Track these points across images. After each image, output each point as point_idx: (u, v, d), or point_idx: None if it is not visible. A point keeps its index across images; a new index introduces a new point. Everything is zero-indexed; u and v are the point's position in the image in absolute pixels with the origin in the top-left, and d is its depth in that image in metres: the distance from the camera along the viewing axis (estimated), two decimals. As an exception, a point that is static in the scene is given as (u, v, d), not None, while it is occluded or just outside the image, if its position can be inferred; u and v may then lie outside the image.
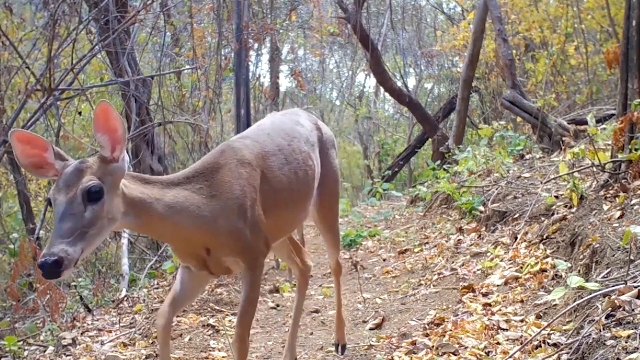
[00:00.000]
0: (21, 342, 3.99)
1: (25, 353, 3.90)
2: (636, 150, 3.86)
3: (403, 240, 6.75)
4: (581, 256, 3.48)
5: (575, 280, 2.77)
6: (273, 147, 2.88)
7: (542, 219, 4.66)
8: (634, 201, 3.63)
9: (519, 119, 9.03)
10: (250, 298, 2.68)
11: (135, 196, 2.35)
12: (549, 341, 2.84)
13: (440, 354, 3.11)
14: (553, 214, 4.52)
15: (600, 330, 2.43)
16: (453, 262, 5.02)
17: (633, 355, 2.16)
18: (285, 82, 18.65)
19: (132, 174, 2.45)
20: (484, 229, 5.52)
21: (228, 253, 2.62)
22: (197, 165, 2.63)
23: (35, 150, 2.23)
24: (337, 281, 3.60)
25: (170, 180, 2.51)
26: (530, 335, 2.96)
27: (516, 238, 4.69)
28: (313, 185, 3.08)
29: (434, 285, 4.66)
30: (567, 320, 3.01)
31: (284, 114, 3.40)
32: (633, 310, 2.47)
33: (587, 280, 2.89)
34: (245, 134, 2.98)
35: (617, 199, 3.82)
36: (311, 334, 4.05)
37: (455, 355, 3.06)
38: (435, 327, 3.60)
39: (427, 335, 3.48)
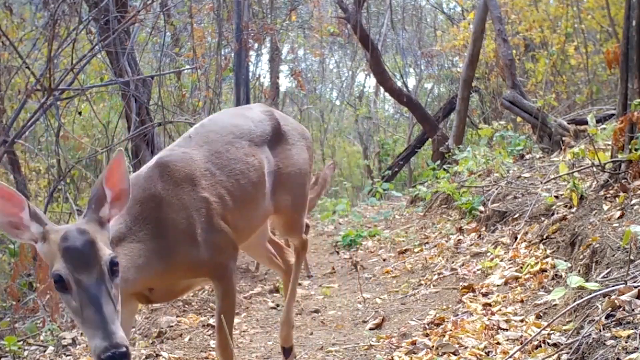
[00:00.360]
0: (21, 342, 3.99)
1: (25, 353, 3.90)
2: (636, 150, 3.86)
3: (403, 240, 6.75)
4: (581, 256, 3.48)
5: (575, 280, 2.77)
6: (206, 151, 2.72)
7: (542, 219, 4.66)
8: (634, 201, 3.63)
9: (519, 119, 9.03)
10: (225, 306, 2.63)
11: None
12: (549, 341, 2.84)
13: (440, 354, 3.11)
14: (553, 214, 4.52)
15: (600, 330, 2.43)
16: (453, 262, 5.02)
17: (633, 355, 2.16)
18: (285, 82, 18.66)
19: None
20: (484, 229, 5.52)
21: (192, 278, 2.57)
22: (135, 207, 2.38)
23: (14, 209, 1.98)
24: (295, 266, 3.46)
25: (115, 237, 2.27)
26: (530, 335, 2.95)
27: (516, 238, 4.69)
28: (261, 181, 2.91)
29: (434, 285, 4.66)
30: (567, 320, 3.01)
31: (232, 110, 3.36)
32: (633, 310, 2.47)
33: (587, 280, 2.89)
34: (176, 143, 2.78)
35: (617, 199, 3.81)
36: (311, 334, 4.05)
37: (455, 355, 3.06)
38: (435, 327, 3.60)
39: (427, 335, 3.48)
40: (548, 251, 4.11)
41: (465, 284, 4.25)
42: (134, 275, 2.31)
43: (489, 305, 3.76)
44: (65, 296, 1.93)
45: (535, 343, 2.86)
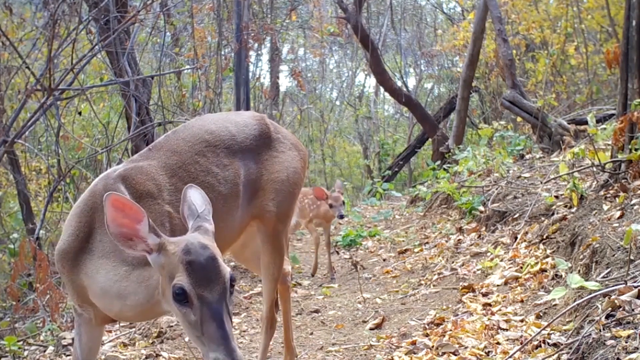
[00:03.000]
0: (21, 342, 3.99)
1: (25, 353, 3.90)
2: (636, 150, 3.86)
3: (403, 240, 6.75)
4: (581, 256, 3.48)
5: (575, 280, 2.77)
6: (173, 162, 2.56)
7: (542, 219, 4.66)
8: (634, 201, 3.63)
9: (519, 119, 9.04)
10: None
11: None
12: (549, 341, 2.84)
13: (440, 354, 3.11)
14: (553, 214, 4.52)
15: (600, 330, 2.43)
16: (453, 262, 5.02)
17: (633, 355, 2.16)
18: (285, 82, 18.66)
19: None
20: (484, 229, 5.52)
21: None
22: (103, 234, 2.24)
23: (128, 220, 1.98)
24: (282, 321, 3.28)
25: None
26: (530, 335, 2.95)
27: (516, 238, 4.69)
28: (234, 193, 2.71)
29: (434, 285, 4.66)
30: (567, 320, 3.01)
31: (216, 115, 3.16)
32: (633, 310, 2.47)
33: (587, 280, 2.89)
34: (142, 153, 2.63)
35: (617, 199, 3.82)
36: (311, 334, 4.05)
37: (455, 355, 3.06)
38: (435, 327, 3.60)
39: (427, 335, 3.48)
40: (548, 251, 4.11)
41: (465, 284, 4.25)
42: (123, 304, 2.23)
43: (489, 305, 3.76)
44: (183, 309, 1.92)
45: (535, 343, 2.86)
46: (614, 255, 3.10)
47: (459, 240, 5.60)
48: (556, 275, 3.73)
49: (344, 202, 5.70)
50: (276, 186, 2.93)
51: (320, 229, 6.09)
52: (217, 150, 2.72)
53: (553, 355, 2.64)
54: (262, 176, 2.88)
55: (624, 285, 2.62)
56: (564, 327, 2.95)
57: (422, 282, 4.87)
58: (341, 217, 5.69)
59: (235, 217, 2.76)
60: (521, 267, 4.16)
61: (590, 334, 2.45)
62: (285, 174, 2.96)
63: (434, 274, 4.91)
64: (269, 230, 2.94)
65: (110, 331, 4.24)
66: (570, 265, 3.55)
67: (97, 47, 5.70)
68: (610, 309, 2.54)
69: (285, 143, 3.05)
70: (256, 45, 11.70)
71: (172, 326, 4.20)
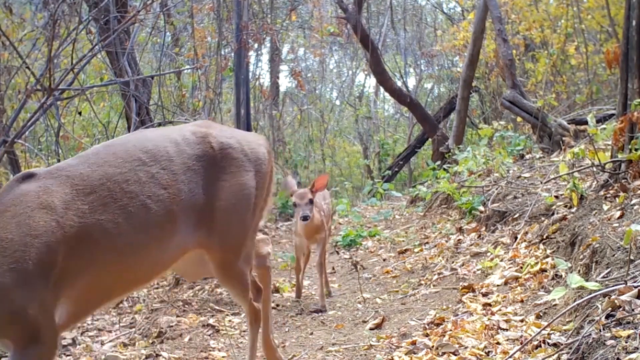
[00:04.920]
0: (21, 342, 3.98)
1: (25, 353, 3.90)
2: (636, 150, 3.86)
3: (403, 240, 6.75)
4: (581, 256, 3.48)
5: (575, 280, 2.77)
6: (97, 177, 2.32)
7: (542, 219, 4.67)
8: (634, 201, 3.63)
9: (519, 119, 9.04)
10: None
11: None
12: (549, 341, 2.84)
13: (440, 354, 3.11)
14: (553, 214, 4.52)
15: (600, 330, 2.43)
16: (453, 262, 5.02)
17: (633, 355, 2.16)
18: (285, 82, 18.66)
19: None
20: (484, 229, 5.52)
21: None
22: None
23: None
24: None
25: None
26: (530, 335, 2.95)
27: (516, 238, 4.69)
28: (170, 218, 2.47)
29: (434, 285, 4.66)
30: (567, 320, 3.01)
31: (153, 132, 2.81)
32: (633, 310, 2.47)
33: (587, 280, 2.89)
34: (61, 165, 2.40)
35: (617, 199, 3.82)
36: (311, 334, 4.05)
37: (455, 355, 3.06)
38: (435, 327, 3.60)
39: (427, 335, 3.48)
40: (548, 251, 4.11)
41: (465, 284, 4.25)
42: None
43: (489, 305, 3.76)
44: None
45: (535, 343, 2.86)
46: (614, 255, 3.10)
47: (459, 240, 5.60)
48: (556, 275, 3.73)
49: (311, 201, 4.41)
50: (223, 215, 2.64)
51: (314, 244, 4.89)
52: (152, 171, 2.45)
53: (553, 355, 2.64)
54: (208, 203, 2.59)
55: (624, 285, 2.62)
56: (564, 327, 2.95)
57: (422, 282, 4.87)
58: (305, 218, 4.38)
59: (169, 244, 2.50)
60: (521, 267, 4.16)
61: (590, 334, 2.45)
62: (234, 200, 2.67)
63: (434, 274, 4.91)
64: (217, 261, 2.72)
65: (110, 331, 4.25)
66: (570, 265, 3.55)
67: (97, 47, 5.70)
68: (610, 309, 2.54)
69: (237, 160, 2.70)
70: (256, 45, 11.71)
71: (172, 326, 4.20)
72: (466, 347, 3.11)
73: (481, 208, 5.92)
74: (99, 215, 2.27)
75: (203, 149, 2.63)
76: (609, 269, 3.03)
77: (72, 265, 2.20)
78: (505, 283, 4.06)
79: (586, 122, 5.76)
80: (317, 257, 4.76)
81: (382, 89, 15.06)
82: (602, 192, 4.10)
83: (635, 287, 2.58)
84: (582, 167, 4.80)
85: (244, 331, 4.24)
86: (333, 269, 6.09)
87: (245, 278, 2.84)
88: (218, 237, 2.65)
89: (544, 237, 4.32)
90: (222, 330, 4.14)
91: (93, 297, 2.36)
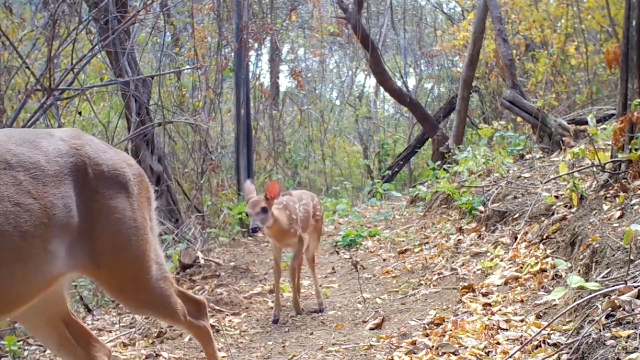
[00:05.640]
0: (21, 342, 3.99)
1: (25, 353, 3.90)
2: (636, 150, 3.86)
3: (403, 240, 6.75)
4: (581, 256, 3.48)
5: (575, 280, 2.77)
6: None
7: (542, 219, 4.67)
8: (634, 201, 3.63)
9: (519, 119, 9.04)
10: None
11: None
12: (549, 341, 2.84)
13: (440, 354, 3.11)
14: (553, 214, 4.52)
15: (600, 330, 2.43)
16: (453, 262, 5.02)
17: (633, 355, 2.16)
18: (285, 82, 18.66)
19: None
20: (484, 229, 5.52)
21: None
22: None
23: None
24: None
25: None
26: (530, 335, 2.95)
27: (516, 238, 4.69)
28: (41, 233, 2.17)
29: (434, 285, 4.66)
30: (567, 320, 3.01)
31: (20, 132, 2.43)
32: (633, 310, 2.47)
33: (587, 280, 2.89)
34: None
35: (617, 199, 3.82)
36: (311, 334, 4.05)
37: (455, 355, 3.06)
38: (435, 327, 3.60)
39: (427, 335, 3.48)
40: (548, 251, 4.11)
41: (465, 284, 4.25)
42: None
43: (489, 305, 3.76)
44: None
45: (535, 343, 2.86)
46: (614, 255, 3.10)
47: (459, 240, 5.60)
48: (556, 275, 3.73)
49: (264, 210, 4.01)
50: (107, 241, 2.37)
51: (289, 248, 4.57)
52: (19, 176, 2.16)
53: (553, 355, 2.64)
54: (85, 224, 2.30)
55: (624, 285, 2.61)
56: (564, 327, 2.95)
57: (422, 282, 4.87)
58: (254, 230, 3.98)
59: (37, 266, 2.19)
60: (521, 267, 4.16)
61: (590, 334, 2.45)
62: (116, 224, 2.39)
63: (434, 274, 4.91)
64: (115, 292, 2.49)
65: (110, 331, 4.25)
66: (570, 265, 3.55)
67: (97, 47, 5.71)
68: (610, 309, 2.54)
69: (109, 180, 2.39)
70: (256, 45, 11.71)
71: (172, 326, 4.20)
72: (466, 347, 3.11)
73: (481, 208, 5.92)
74: None
75: (77, 162, 2.32)
76: (609, 269, 3.02)
77: None
78: (505, 283, 4.06)
79: (586, 122, 5.76)
80: (291, 261, 4.53)
81: (382, 89, 15.07)
82: (602, 192, 4.10)
83: (635, 287, 2.58)
84: (582, 167, 4.80)
85: (244, 331, 4.24)
86: (333, 269, 6.10)
87: (163, 300, 2.55)
88: (107, 266, 2.38)
89: (544, 237, 4.32)
90: (222, 330, 4.14)
91: None
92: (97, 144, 2.45)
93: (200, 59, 9.27)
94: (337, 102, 19.84)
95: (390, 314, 4.20)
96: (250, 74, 11.23)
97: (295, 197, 4.49)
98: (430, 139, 12.66)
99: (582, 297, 2.84)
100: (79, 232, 2.29)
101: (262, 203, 4.01)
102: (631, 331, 2.33)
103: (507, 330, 3.26)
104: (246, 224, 4.08)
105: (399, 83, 14.22)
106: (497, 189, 5.98)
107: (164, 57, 8.41)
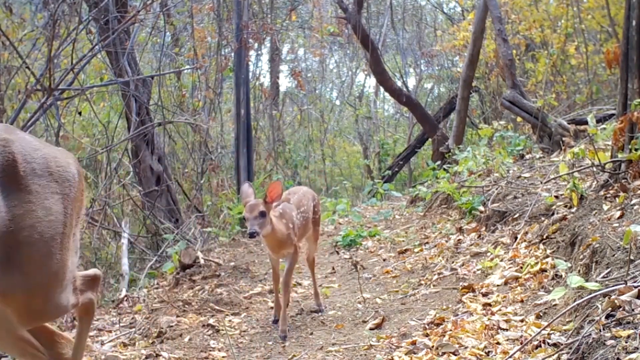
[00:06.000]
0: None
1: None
2: (636, 150, 3.86)
3: (403, 240, 6.75)
4: (581, 256, 3.48)
5: (575, 280, 2.77)
6: None
7: (542, 219, 4.67)
8: (634, 201, 3.63)
9: (519, 119, 9.04)
10: None
11: None
12: (549, 341, 2.84)
13: (440, 354, 3.11)
14: (553, 214, 4.52)
15: (600, 330, 2.43)
16: (453, 262, 5.02)
17: (633, 355, 2.16)
18: (285, 82, 18.65)
19: None
20: (484, 229, 5.52)
21: None
22: None
23: None
24: None
25: None
26: (530, 335, 2.95)
27: (516, 238, 4.69)
28: None
29: (434, 285, 4.66)
30: (567, 320, 3.01)
31: None
32: (633, 310, 2.47)
33: (587, 280, 2.89)
34: None
35: (617, 199, 3.82)
36: (311, 334, 4.05)
37: (455, 355, 3.06)
38: (435, 327, 3.60)
39: (427, 335, 3.48)
40: (548, 251, 4.11)
41: (465, 284, 4.25)
42: None
43: (489, 305, 3.76)
44: None
45: (535, 343, 2.86)
46: (614, 255, 3.10)
47: (459, 240, 5.59)
48: (556, 275, 3.73)
49: (263, 214, 3.81)
50: (26, 248, 2.08)
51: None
52: None
53: (553, 355, 2.64)
54: (9, 229, 2.03)
55: (624, 285, 2.62)
56: (564, 327, 2.95)
57: (422, 282, 4.87)
58: (251, 235, 3.80)
59: None
60: (521, 267, 4.16)
61: (590, 334, 2.45)
62: (39, 230, 2.10)
63: (434, 274, 4.90)
64: (19, 310, 2.13)
65: (110, 331, 4.25)
66: (570, 265, 3.55)
67: (97, 47, 5.71)
68: (610, 309, 2.54)
69: (40, 177, 2.14)
70: (256, 45, 11.71)
71: (172, 326, 4.20)
72: (466, 347, 3.11)
73: (481, 208, 5.92)
74: None
75: (2, 159, 2.06)
76: (609, 269, 3.03)
77: None
78: (505, 283, 4.06)
79: (586, 122, 5.76)
80: (284, 275, 4.25)
81: (382, 89, 15.06)
82: (602, 192, 4.10)
83: (635, 287, 2.58)
84: (582, 167, 4.80)
85: (244, 331, 4.25)
86: (333, 269, 6.09)
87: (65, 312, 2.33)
88: (19, 277, 2.06)
89: (544, 237, 4.32)
90: (222, 330, 4.14)
91: None
92: (27, 140, 2.21)
93: (200, 59, 9.28)
94: (337, 102, 19.84)
95: (390, 314, 4.20)
96: (250, 74, 11.23)
97: (293, 202, 4.33)
98: (430, 139, 12.66)
99: (582, 297, 2.84)
100: (3, 240, 2.04)
101: (261, 207, 3.82)
102: (631, 331, 2.33)
103: (507, 330, 3.26)
104: (246, 224, 3.91)
105: (399, 83, 14.22)
106: (497, 189, 5.98)
107: (164, 57, 8.42)
